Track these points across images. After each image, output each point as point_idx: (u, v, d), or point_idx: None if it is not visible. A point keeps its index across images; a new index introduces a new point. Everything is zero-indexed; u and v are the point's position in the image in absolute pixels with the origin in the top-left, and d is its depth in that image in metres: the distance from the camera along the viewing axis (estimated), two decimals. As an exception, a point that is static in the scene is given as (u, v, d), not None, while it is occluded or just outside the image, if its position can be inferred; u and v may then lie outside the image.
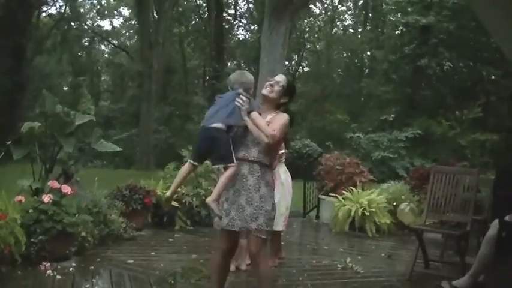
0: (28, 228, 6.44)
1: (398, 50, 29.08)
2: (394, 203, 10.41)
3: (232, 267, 6.62)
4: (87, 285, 5.86)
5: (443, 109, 26.98)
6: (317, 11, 41.97)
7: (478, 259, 5.90)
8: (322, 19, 43.10)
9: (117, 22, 46.76)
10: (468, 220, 6.84)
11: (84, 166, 9.52)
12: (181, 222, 9.69)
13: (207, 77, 37.93)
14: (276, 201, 6.73)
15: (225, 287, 4.96)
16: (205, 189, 9.63)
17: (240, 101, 4.59)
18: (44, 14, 37.00)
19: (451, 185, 7.12)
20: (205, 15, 38.54)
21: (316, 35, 43.14)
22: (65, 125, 7.63)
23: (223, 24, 36.90)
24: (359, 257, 7.95)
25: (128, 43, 44.22)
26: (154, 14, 31.40)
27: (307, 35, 42.28)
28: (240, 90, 4.69)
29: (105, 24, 62.18)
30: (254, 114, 4.59)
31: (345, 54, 41.95)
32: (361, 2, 41.49)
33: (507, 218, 5.84)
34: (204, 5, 38.88)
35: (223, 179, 4.54)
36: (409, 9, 29.12)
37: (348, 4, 43.98)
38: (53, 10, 38.34)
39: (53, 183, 6.98)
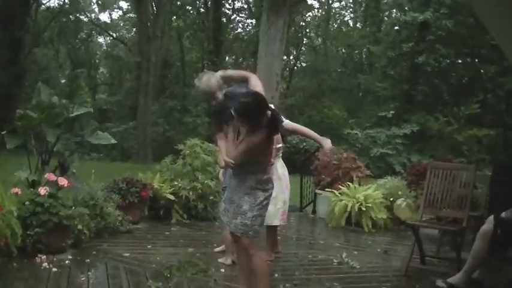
0: (24, 221, 6.43)
1: (397, 47, 29.05)
2: (391, 199, 10.40)
3: (229, 261, 6.64)
4: (82, 278, 5.86)
5: (440, 105, 27.01)
6: (316, 5, 41.96)
7: (472, 255, 5.90)
8: (321, 14, 43.05)
9: (116, 15, 46.58)
10: (464, 216, 6.84)
11: (81, 159, 9.49)
12: (177, 216, 9.69)
13: (205, 71, 37.78)
14: (273, 196, 6.78)
15: (221, 281, 4.99)
16: (201, 183, 9.64)
17: None
18: (42, 7, 36.97)
19: (448, 181, 7.12)
20: (204, 9, 38.46)
21: (314, 31, 43.08)
22: (56, 116, 7.60)
23: (222, 18, 36.88)
24: (355, 252, 7.96)
25: (126, 36, 44.12)
26: (154, 8, 31.37)
27: (306, 29, 42.21)
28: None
29: (104, 17, 62.00)
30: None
31: (344, 50, 41.87)
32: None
33: (503, 214, 5.85)
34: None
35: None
36: (407, 7, 29.11)
37: (347, 1, 43.87)
38: (51, 2, 38.29)
39: (50, 176, 6.97)
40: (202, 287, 5.86)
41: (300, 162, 13.86)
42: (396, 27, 29.91)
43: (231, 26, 40.73)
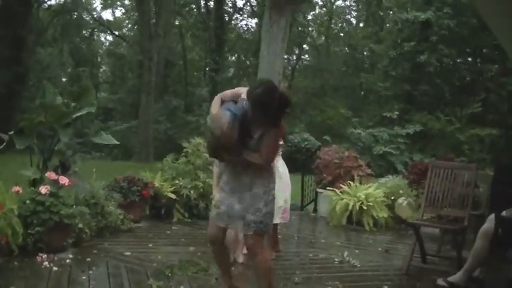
0: (25, 219, 6.44)
1: (398, 46, 29.08)
2: (392, 198, 10.41)
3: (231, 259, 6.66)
4: (83, 277, 5.86)
5: (442, 105, 27.02)
6: (319, 3, 42.04)
7: (473, 253, 5.91)
8: (324, 13, 43.10)
9: (119, 12, 46.67)
10: (465, 215, 6.85)
11: (83, 158, 9.47)
12: (179, 215, 9.69)
13: (207, 69, 37.94)
14: (276, 195, 6.78)
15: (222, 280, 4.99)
16: (203, 182, 9.65)
17: None
18: (44, 5, 36.98)
19: (449, 180, 7.12)
20: (205, 8, 38.50)
21: (316, 30, 43.12)
22: (64, 116, 7.63)
23: (224, 17, 36.91)
24: (356, 251, 7.96)
25: (128, 34, 44.15)
26: (156, 6, 31.40)
27: (309, 28, 42.27)
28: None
29: (107, 15, 62.07)
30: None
31: (346, 49, 41.90)
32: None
33: (504, 213, 5.85)
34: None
35: None
36: (408, 7, 29.16)
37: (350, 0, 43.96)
38: (53, 1, 38.30)
39: (51, 174, 6.97)
40: (203, 286, 5.86)
41: (301, 161, 13.90)
42: (398, 27, 29.94)
43: (234, 24, 40.81)
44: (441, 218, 7.45)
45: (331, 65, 39.85)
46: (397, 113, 26.95)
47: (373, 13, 38.39)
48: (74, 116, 7.75)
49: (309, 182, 12.45)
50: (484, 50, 27.70)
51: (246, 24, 41.93)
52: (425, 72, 27.52)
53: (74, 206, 6.96)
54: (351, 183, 10.70)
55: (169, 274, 6.09)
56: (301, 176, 12.34)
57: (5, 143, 7.41)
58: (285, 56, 31.37)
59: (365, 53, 38.90)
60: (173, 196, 9.49)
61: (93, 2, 44.23)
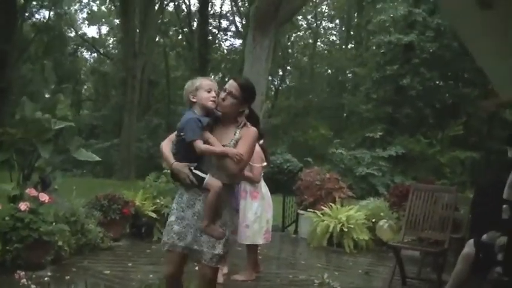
0: (4, 236, 6.38)
1: (381, 69, 29.28)
2: (373, 220, 10.45)
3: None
4: (61, 295, 5.82)
5: (424, 127, 27.19)
6: (303, 26, 42.27)
7: (453, 277, 5.92)
8: (308, 34, 43.37)
9: (104, 30, 46.71)
10: (446, 238, 6.88)
11: (64, 175, 9.41)
12: (159, 234, 9.61)
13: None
14: (258, 215, 6.78)
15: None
16: (184, 201, 9.61)
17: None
18: (29, 21, 36.90)
19: (430, 203, 7.17)
20: (190, 27, 38.64)
21: (300, 51, 43.32)
22: (44, 131, 7.58)
23: (208, 36, 37.03)
24: (336, 273, 7.95)
25: (113, 51, 44.15)
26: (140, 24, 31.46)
27: (292, 49, 42.47)
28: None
29: (92, 32, 62.05)
30: (203, 146, 3.98)
31: (329, 71, 42.13)
32: (345, 18, 41.73)
33: (484, 237, 5.87)
34: (189, 17, 39.00)
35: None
36: (391, 29, 29.42)
37: (334, 21, 44.24)
38: (37, 17, 38.25)
39: (31, 191, 6.92)
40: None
41: (283, 182, 13.88)
42: (382, 50, 30.16)
43: (218, 44, 40.97)
44: (422, 240, 7.49)
45: (314, 86, 40.05)
46: (380, 133, 27.05)
47: (355, 36, 38.73)
48: (54, 129, 7.68)
49: (290, 203, 12.46)
50: (466, 74, 27.96)
51: (231, 44, 42.00)
52: (408, 95, 27.71)
53: (54, 223, 6.89)
54: (332, 205, 10.72)
55: (149, 293, 6.05)
56: (282, 197, 12.34)
57: None
58: (269, 77, 31.50)
59: (349, 74, 39.09)
60: (154, 215, 9.44)
61: (78, 19, 44.10)
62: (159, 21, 36.27)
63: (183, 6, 39.94)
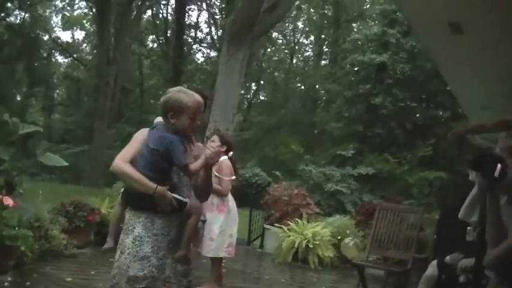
0: (-35, 239, 6.31)
1: (354, 87, 29.49)
2: (339, 237, 10.49)
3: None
4: (21, 301, 5.76)
5: (394, 147, 27.37)
6: (279, 41, 42.54)
7: (415, 298, 5.96)
8: (283, 49, 43.60)
9: (78, 35, 46.51)
10: (410, 258, 6.94)
11: (32, 179, 9.33)
12: (124, 243, 9.57)
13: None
14: (222, 229, 6.78)
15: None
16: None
17: None
18: (4, 22, 36.57)
19: (395, 223, 7.23)
20: (166, 36, 38.66)
21: (273, 66, 43.48)
22: (8, 134, 7.50)
23: (183, 47, 37.06)
24: (300, 289, 7.97)
25: (87, 57, 43.93)
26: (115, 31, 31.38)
27: (267, 63, 42.64)
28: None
29: (66, 37, 61.65)
30: (193, 166, 3.67)
31: (302, 87, 42.31)
32: (322, 36, 41.98)
33: (448, 258, 5.91)
34: (166, 26, 39.04)
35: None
36: (365, 46, 29.68)
37: (309, 38, 44.53)
38: (11, 19, 37.89)
39: (-5, 195, 6.86)
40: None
41: (251, 195, 13.89)
42: (356, 68, 30.38)
43: (193, 54, 41.01)
44: (386, 259, 7.53)
45: (287, 101, 40.20)
46: (352, 151, 27.14)
47: (329, 53, 39.03)
48: (20, 133, 7.62)
49: (257, 217, 12.46)
50: (437, 97, 28.23)
51: (207, 55, 42.03)
52: (379, 114, 27.91)
53: (17, 228, 6.82)
54: (299, 220, 10.74)
55: (110, 302, 6.00)
56: (249, 211, 12.35)
57: None
58: (242, 91, 31.53)
59: (322, 91, 39.28)
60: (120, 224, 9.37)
61: (52, 22, 43.82)
62: (135, 29, 36.18)
63: (160, 16, 40.06)
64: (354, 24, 36.84)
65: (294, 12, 37.72)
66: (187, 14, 38.25)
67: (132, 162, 3.65)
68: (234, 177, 7.07)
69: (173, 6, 38.38)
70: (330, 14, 39.27)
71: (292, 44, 43.30)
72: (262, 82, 43.14)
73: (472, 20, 6.21)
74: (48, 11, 42.75)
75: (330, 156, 28.60)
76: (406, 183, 24.59)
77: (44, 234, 7.69)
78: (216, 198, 6.97)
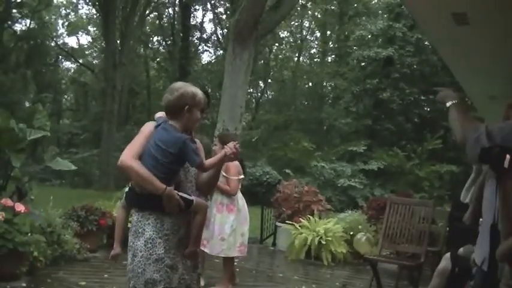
0: (-22, 246, 6.32)
1: (361, 83, 29.44)
2: (351, 233, 10.46)
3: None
4: (35, 307, 5.77)
5: (403, 141, 27.30)
6: (285, 39, 42.45)
7: (429, 291, 5.93)
8: (290, 47, 43.50)
9: (84, 40, 46.62)
10: (422, 251, 6.91)
11: (41, 185, 9.36)
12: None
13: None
14: (233, 228, 6.78)
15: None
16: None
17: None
18: (11, 30, 36.73)
19: (407, 216, 7.20)
20: (173, 37, 38.67)
21: (280, 64, 43.38)
22: (17, 141, 7.52)
23: (190, 48, 37.06)
24: (314, 286, 7.95)
25: (94, 62, 44.02)
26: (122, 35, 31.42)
27: (275, 62, 42.57)
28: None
29: (72, 42, 61.75)
30: (207, 162, 3.68)
31: (310, 84, 42.19)
32: (328, 32, 41.89)
33: (461, 250, 5.88)
34: (172, 27, 39.06)
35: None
36: (371, 43, 29.62)
37: (314, 34, 44.44)
38: (18, 26, 38.07)
39: (6, 201, 6.85)
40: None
41: (262, 194, 13.88)
42: (363, 64, 30.32)
43: (200, 55, 41.03)
44: (399, 253, 7.50)
45: (295, 98, 40.13)
46: (363, 147, 27.08)
47: (335, 49, 38.94)
48: (28, 139, 7.63)
49: (269, 215, 12.44)
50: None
51: (214, 54, 42.01)
52: (388, 108, 27.88)
53: (29, 234, 6.83)
54: (310, 217, 10.72)
55: (124, 305, 6.01)
56: (261, 210, 12.33)
57: None
58: (250, 90, 31.51)
59: (329, 87, 39.22)
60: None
61: (58, 28, 43.92)
62: (140, 31, 36.20)
63: (165, 19, 40.09)
64: (359, 20, 36.66)
65: (299, 9, 37.58)
66: (192, 14, 38.26)
67: (140, 158, 3.61)
68: (242, 176, 7.07)
69: (177, 7, 38.41)
70: (335, 9, 39.12)
71: (299, 41, 43.17)
72: (270, 80, 43.05)
73: (476, 10, 6.17)
74: (53, 17, 42.85)
75: (340, 152, 28.55)
76: (416, 177, 24.53)
77: (56, 239, 7.71)
78: (225, 199, 6.97)
